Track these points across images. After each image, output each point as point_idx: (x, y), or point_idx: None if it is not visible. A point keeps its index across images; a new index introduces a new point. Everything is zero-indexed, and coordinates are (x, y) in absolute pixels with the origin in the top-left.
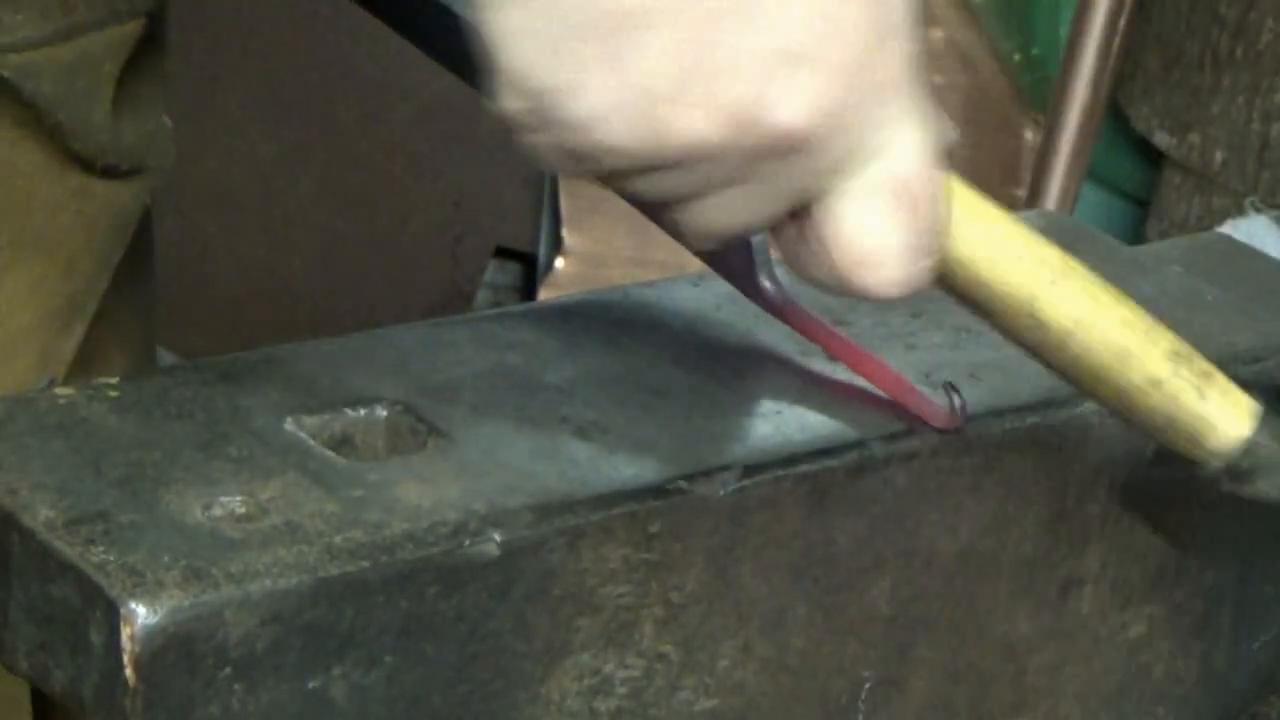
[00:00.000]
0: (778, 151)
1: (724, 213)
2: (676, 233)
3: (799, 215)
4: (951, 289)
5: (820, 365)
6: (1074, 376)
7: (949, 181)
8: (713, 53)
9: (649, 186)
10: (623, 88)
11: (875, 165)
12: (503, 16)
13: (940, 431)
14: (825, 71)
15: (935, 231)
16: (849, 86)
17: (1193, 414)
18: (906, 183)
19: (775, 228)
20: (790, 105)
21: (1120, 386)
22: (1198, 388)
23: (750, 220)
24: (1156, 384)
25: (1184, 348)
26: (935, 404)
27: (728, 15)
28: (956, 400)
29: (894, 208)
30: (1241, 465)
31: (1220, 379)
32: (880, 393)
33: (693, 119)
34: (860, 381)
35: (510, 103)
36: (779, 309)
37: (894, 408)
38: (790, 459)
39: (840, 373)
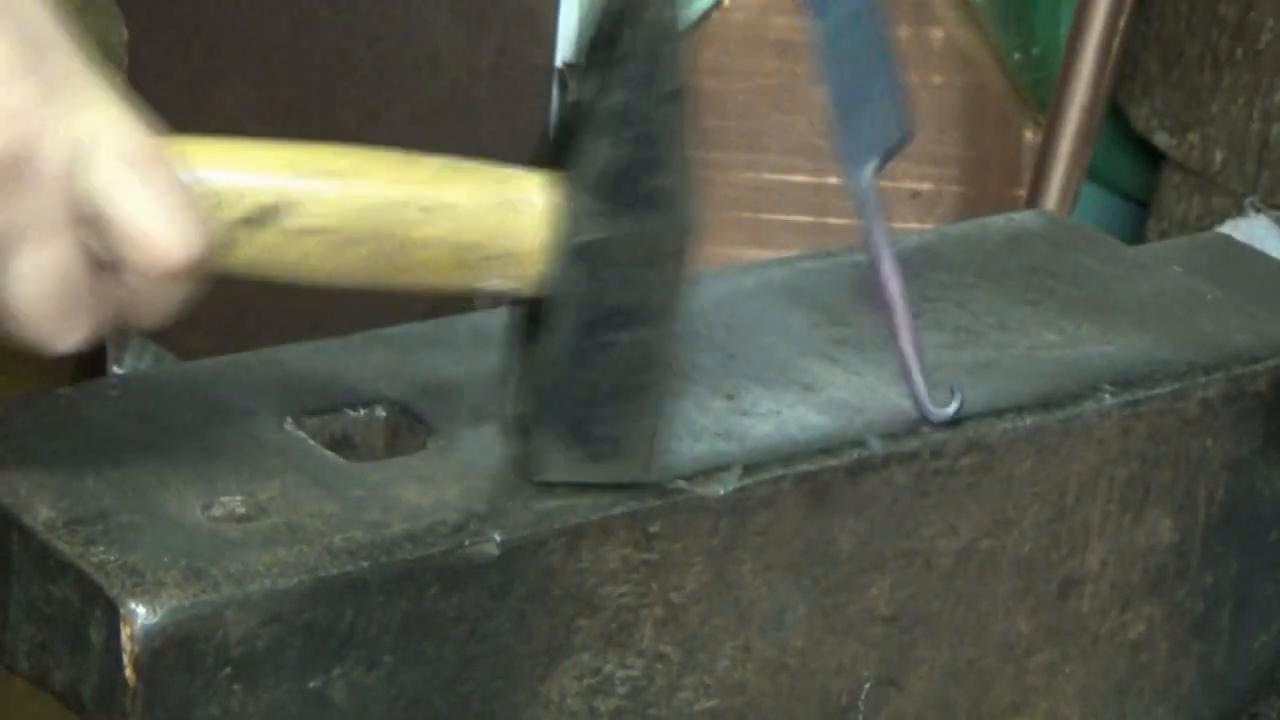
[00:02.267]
0: (9, 175)
1: (31, 274)
2: (41, 332)
3: (95, 260)
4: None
5: (820, 365)
6: (373, 229)
7: (169, 142)
8: None
9: None
10: None
11: (94, 154)
12: None
13: (927, 421)
14: None
15: (177, 183)
16: (25, 86)
17: (493, 181)
18: (125, 154)
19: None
20: None
21: (418, 193)
22: (479, 167)
23: (58, 275)
24: (440, 172)
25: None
26: (924, 393)
27: None
28: (955, 399)
29: (131, 179)
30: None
31: (494, 165)
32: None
33: None
34: (857, 382)
35: None
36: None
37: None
38: (790, 459)
39: (839, 374)
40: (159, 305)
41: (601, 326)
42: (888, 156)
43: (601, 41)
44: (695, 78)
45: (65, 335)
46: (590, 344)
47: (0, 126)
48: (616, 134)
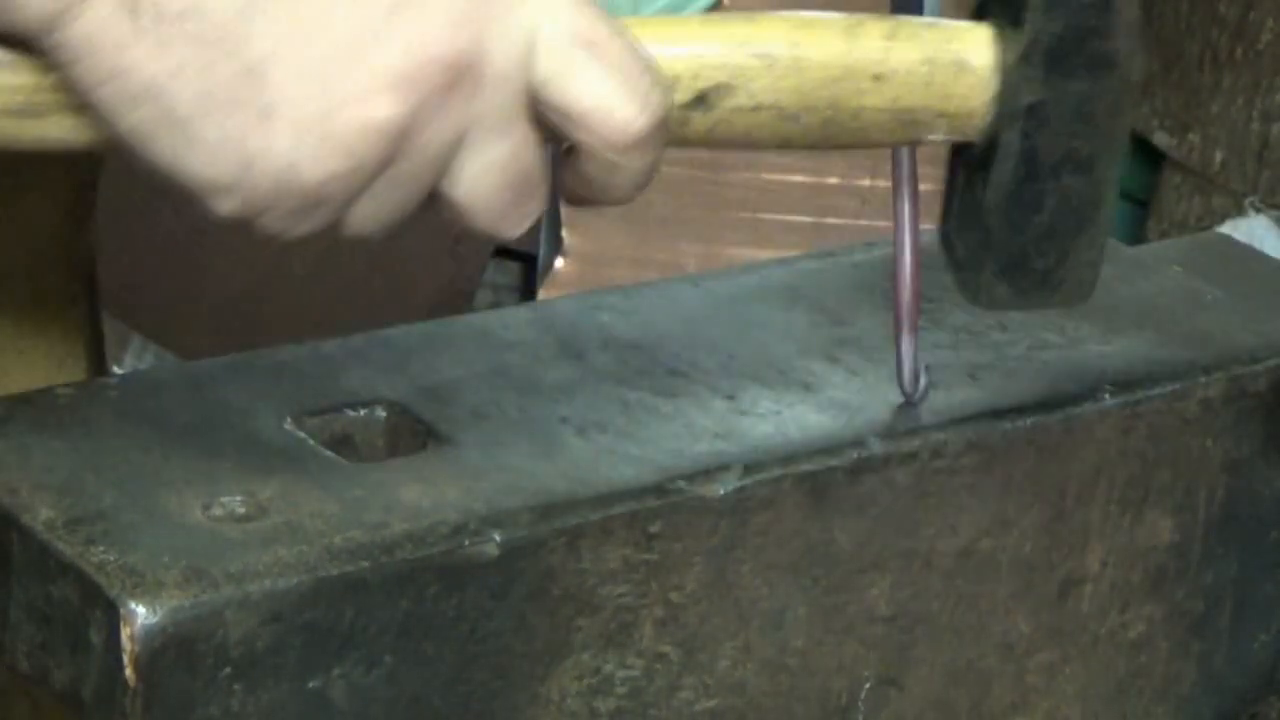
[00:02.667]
0: (458, 80)
1: (486, 171)
2: (486, 223)
3: (549, 137)
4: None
5: (820, 365)
6: (829, 98)
7: (614, 21)
8: (341, 42)
9: (390, 197)
10: (290, 126)
11: (542, 42)
12: (162, 144)
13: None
14: None
15: (634, 58)
16: None
17: (940, 41)
18: (576, 34)
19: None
20: (433, 36)
21: (870, 59)
22: (925, 25)
23: (511, 166)
24: (891, 36)
25: (883, 14)
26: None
27: (329, 10)
28: (922, 379)
29: (583, 60)
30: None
31: (937, 20)
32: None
33: (366, 106)
34: (857, 382)
35: (223, 207)
36: None
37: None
38: (790, 459)
39: (839, 374)
40: (621, 179)
41: (1041, 174)
42: None
43: None
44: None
45: (517, 222)
46: (1030, 190)
47: (451, 31)
48: (1065, 7)
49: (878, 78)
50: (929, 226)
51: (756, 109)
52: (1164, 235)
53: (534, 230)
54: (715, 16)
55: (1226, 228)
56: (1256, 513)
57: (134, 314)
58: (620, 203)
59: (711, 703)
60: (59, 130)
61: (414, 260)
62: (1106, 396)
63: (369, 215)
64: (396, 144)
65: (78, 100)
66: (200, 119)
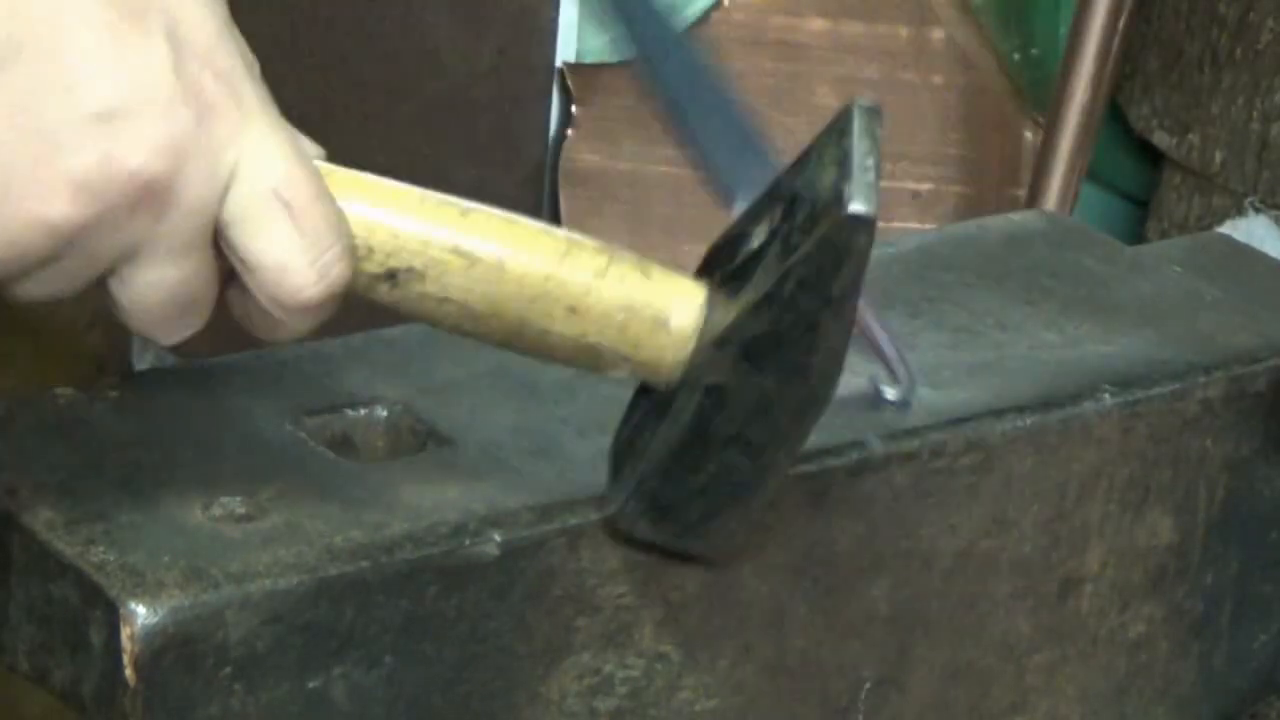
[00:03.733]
0: (149, 201)
1: (152, 286)
2: (146, 329)
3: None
4: (381, 282)
5: None
6: (518, 314)
7: (330, 175)
8: (35, 134)
9: (49, 284)
10: None
11: (240, 186)
12: None
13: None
14: (152, 112)
15: (328, 225)
16: (181, 115)
17: (647, 292)
18: (276, 189)
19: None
20: (133, 153)
21: (569, 292)
22: (640, 269)
23: (178, 287)
24: (601, 274)
25: (608, 245)
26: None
27: (37, 98)
28: (907, 380)
29: (274, 216)
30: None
31: (656, 264)
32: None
33: (45, 202)
34: (856, 383)
35: None
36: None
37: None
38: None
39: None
40: (283, 329)
41: (706, 445)
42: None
43: (794, 220)
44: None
45: (175, 334)
46: (691, 454)
47: (152, 154)
48: (778, 312)
49: (573, 310)
50: (928, 226)
51: (444, 301)
52: (1164, 235)
53: None
54: (438, 196)
55: (1226, 228)
56: (1256, 513)
57: None
58: (276, 343)
59: (711, 703)
60: None
61: None
62: (1106, 396)
63: (27, 293)
64: (65, 244)
65: None
66: None
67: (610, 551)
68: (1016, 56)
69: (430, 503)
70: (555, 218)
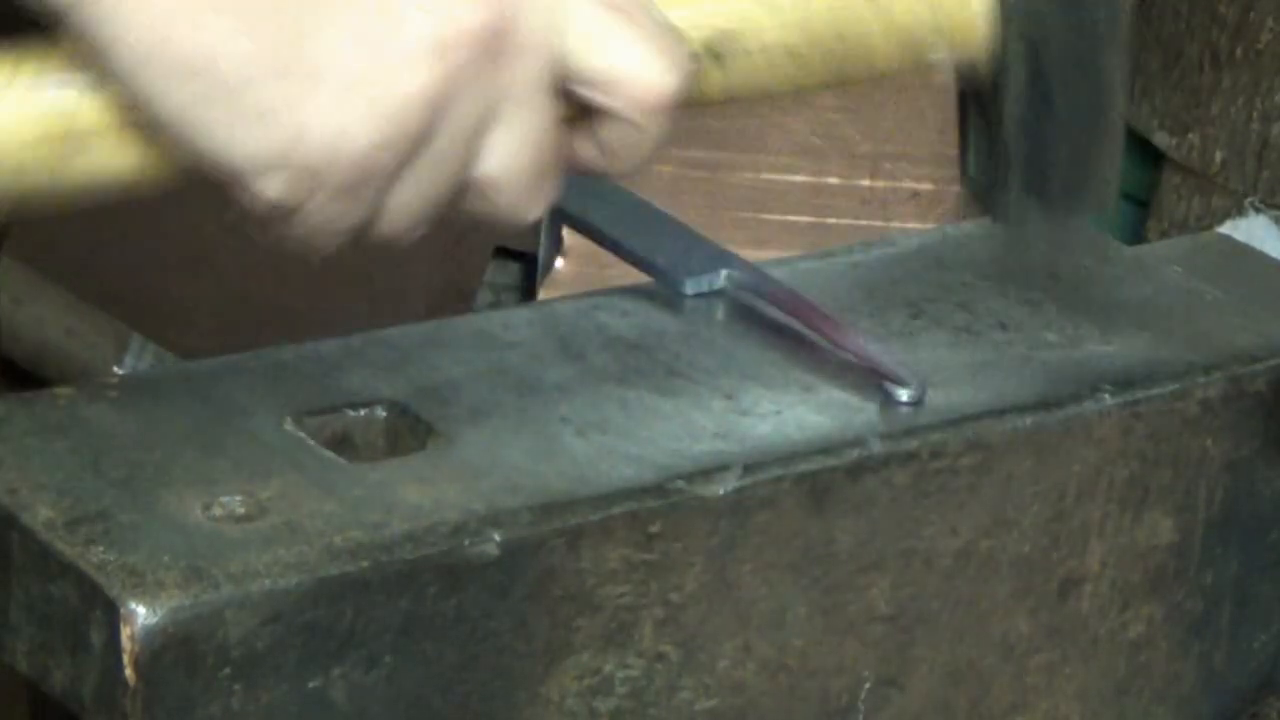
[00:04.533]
0: (494, 47)
1: (518, 145)
2: (513, 204)
3: (571, 105)
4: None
5: (820, 364)
6: (834, 32)
7: None
8: (380, 12)
9: (430, 174)
10: (335, 96)
11: (572, 13)
12: (211, 121)
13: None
14: None
15: (658, 20)
16: None
17: None
18: (606, 3)
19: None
20: (471, 6)
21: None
22: None
23: (537, 142)
24: None
25: None
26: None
27: None
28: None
29: (615, 27)
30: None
31: None
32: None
33: (408, 74)
34: (857, 382)
35: (270, 188)
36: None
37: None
38: (790, 459)
39: (839, 374)
40: (638, 146)
41: (1051, 81)
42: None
43: None
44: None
45: (538, 201)
46: (1043, 99)
47: (489, 3)
48: None
49: (875, 3)
50: (928, 226)
51: (765, 50)
52: (1164, 235)
53: (534, 230)
54: None
55: (1226, 228)
56: (1256, 513)
57: (134, 314)
58: (628, 173)
59: (711, 703)
60: (102, 155)
61: (414, 260)
62: (1106, 396)
63: (406, 203)
64: (435, 113)
65: (119, 114)
66: (246, 90)
67: (610, 551)
68: None
69: (430, 503)
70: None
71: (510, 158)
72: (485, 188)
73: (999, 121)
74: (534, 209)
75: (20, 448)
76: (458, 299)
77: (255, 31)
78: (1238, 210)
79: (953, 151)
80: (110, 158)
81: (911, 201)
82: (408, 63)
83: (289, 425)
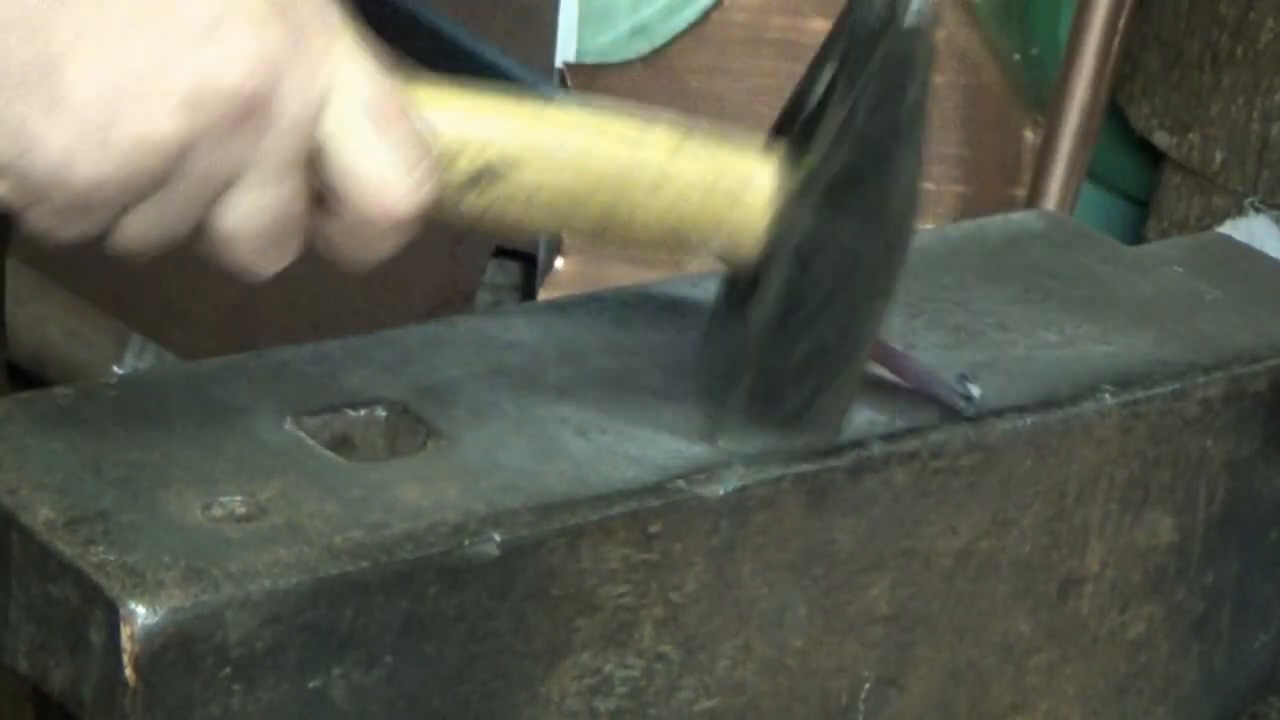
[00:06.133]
0: (250, 117)
1: (255, 210)
2: (244, 260)
3: (314, 193)
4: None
5: None
6: (603, 203)
7: (407, 89)
8: (141, 53)
9: (157, 217)
10: (74, 122)
11: (334, 104)
12: None
13: (962, 417)
14: (249, 29)
15: (418, 137)
16: (276, 31)
17: (722, 167)
18: (367, 105)
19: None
20: (233, 68)
21: (648, 174)
22: (713, 144)
23: (277, 211)
24: (675, 152)
25: (679, 122)
26: (951, 390)
27: (141, 18)
28: (973, 389)
29: (368, 132)
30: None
31: (728, 139)
32: (898, 380)
33: (152, 119)
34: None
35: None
36: None
37: (914, 394)
38: (790, 459)
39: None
40: (371, 248)
41: (807, 307)
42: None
43: (852, 52)
44: (699, 78)
45: (270, 264)
46: (794, 322)
47: (252, 67)
48: (851, 148)
49: (654, 190)
50: (928, 226)
51: (529, 200)
52: (1164, 235)
53: None
54: (512, 96)
55: (1226, 228)
56: (1256, 513)
57: (134, 314)
58: (357, 269)
59: (711, 703)
60: None
61: (414, 260)
62: (1107, 396)
63: (136, 232)
64: (172, 164)
65: None
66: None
67: (610, 551)
68: (1016, 56)
69: (430, 503)
70: None
71: (247, 219)
72: (221, 238)
73: (744, 333)
74: (265, 270)
75: (20, 448)
76: (458, 299)
77: (5, 45)
78: (1238, 210)
79: (953, 151)
80: None
81: None
82: (156, 109)
83: (289, 425)
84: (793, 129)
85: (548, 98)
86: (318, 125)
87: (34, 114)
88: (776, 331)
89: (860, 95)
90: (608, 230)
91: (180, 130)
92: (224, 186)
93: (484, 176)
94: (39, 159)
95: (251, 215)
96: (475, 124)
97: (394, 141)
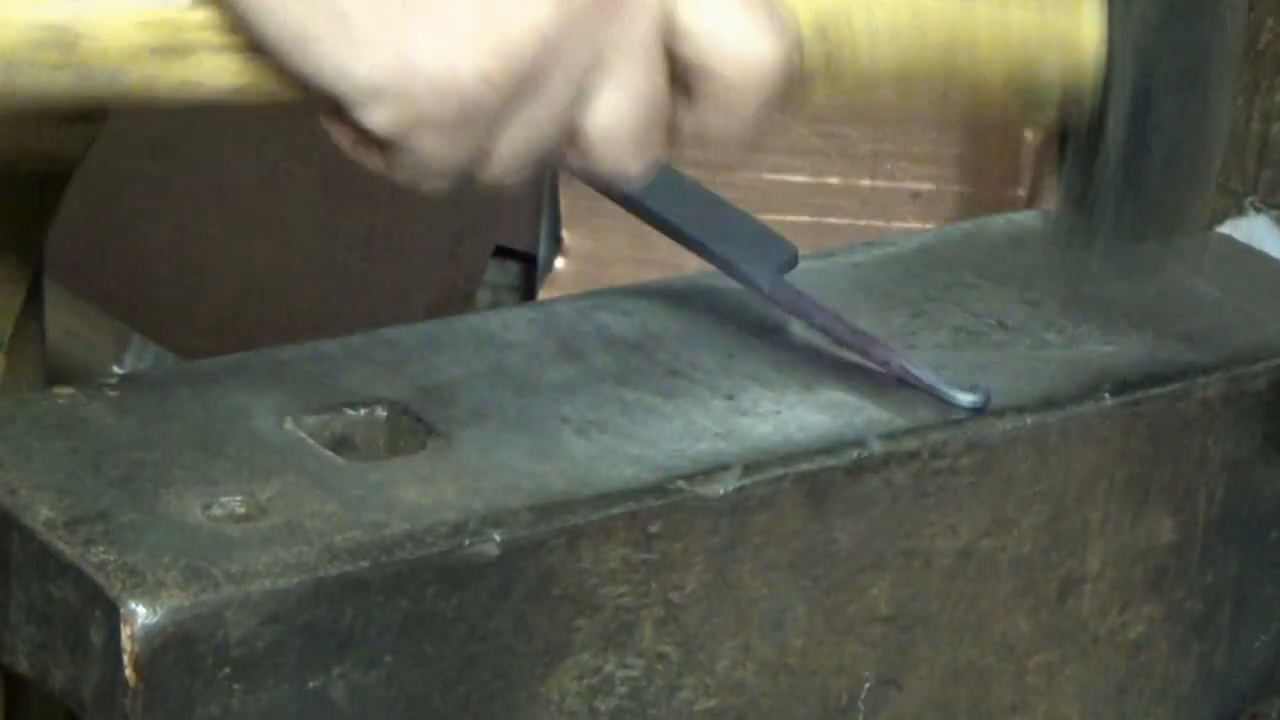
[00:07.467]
0: (610, 3)
1: (624, 101)
2: (616, 161)
3: (675, 71)
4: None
5: (820, 365)
6: (945, 51)
7: None
8: None
9: (536, 120)
10: (452, 24)
11: None
12: (320, 45)
13: (962, 418)
14: None
15: (765, 4)
16: None
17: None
18: None
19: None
20: None
21: (981, 14)
22: None
23: (645, 101)
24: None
25: None
26: (953, 390)
27: None
28: (981, 387)
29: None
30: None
31: None
32: (906, 377)
33: (522, 14)
34: (857, 382)
35: (378, 115)
36: (794, 308)
37: (914, 393)
38: (790, 459)
39: (840, 374)
40: (742, 125)
41: (1158, 109)
42: (785, 268)
43: None
44: None
45: (640, 161)
46: (1148, 125)
47: None
48: None
49: (990, 21)
50: (928, 226)
51: (874, 64)
52: None
53: (534, 230)
54: None
55: (1226, 228)
56: (1256, 513)
57: (134, 314)
58: (725, 151)
59: (711, 703)
60: (203, 72)
61: (414, 260)
62: (1106, 396)
63: (512, 146)
64: (546, 57)
65: (226, 32)
66: (358, 16)
67: (610, 551)
68: None
69: (430, 503)
70: (555, 218)
71: (618, 110)
72: (591, 139)
73: (1097, 148)
74: (636, 167)
75: (20, 448)
76: (458, 299)
77: None
78: (1238, 210)
79: (953, 151)
80: (213, 71)
81: (911, 201)
82: (526, 3)
83: (289, 425)
84: None
85: None
86: (674, 3)
87: (409, 22)
88: (1133, 141)
89: None
90: (953, 77)
91: (552, 21)
92: (594, 79)
93: (829, 37)
94: (422, 69)
95: (624, 105)
96: (807, 4)
97: (750, 8)
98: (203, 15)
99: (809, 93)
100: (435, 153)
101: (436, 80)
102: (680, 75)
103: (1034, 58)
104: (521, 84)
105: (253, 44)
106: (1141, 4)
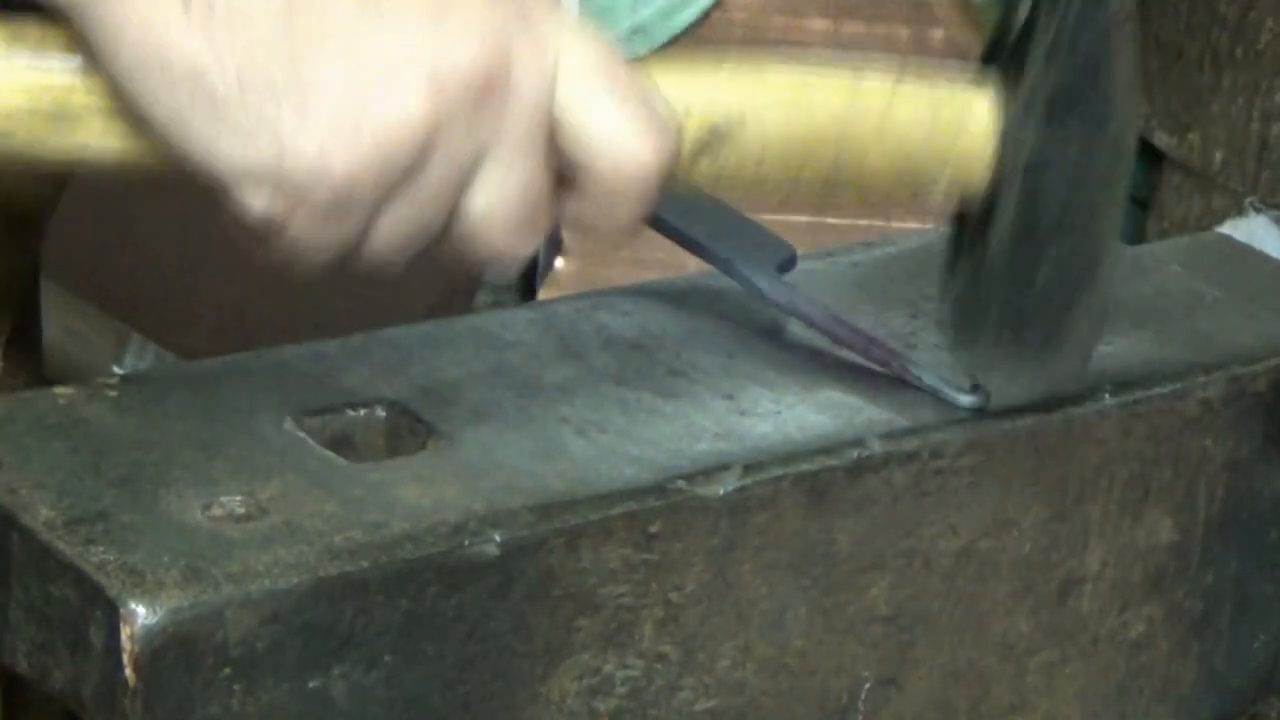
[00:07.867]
0: (488, 93)
1: (504, 191)
2: (497, 246)
3: (558, 169)
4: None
5: (820, 365)
6: (831, 153)
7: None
8: (379, 42)
9: (414, 207)
10: (326, 117)
11: (566, 75)
12: (198, 128)
13: (961, 417)
14: (479, 9)
15: (652, 98)
16: (503, 7)
17: (940, 100)
18: (600, 71)
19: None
20: (469, 46)
21: (870, 120)
22: (928, 82)
23: (525, 190)
24: (894, 94)
25: (886, 63)
26: (953, 390)
27: (369, 7)
28: (981, 387)
29: (605, 97)
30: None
31: (942, 75)
32: (906, 377)
33: (401, 103)
34: (857, 382)
35: (255, 200)
36: (793, 308)
37: (914, 392)
38: (790, 459)
39: (839, 374)
40: (618, 218)
41: (1043, 225)
42: (784, 268)
43: None
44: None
45: (522, 249)
46: (1032, 242)
47: (485, 45)
48: (1064, 59)
49: (878, 134)
50: (928, 226)
51: (760, 159)
52: (1164, 235)
53: None
54: (720, 59)
55: (1226, 228)
56: (1256, 513)
57: (134, 314)
58: (608, 238)
59: (711, 703)
60: (90, 135)
61: (414, 260)
62: (1106, 396)
63: (393, 230)
64: (424, 147)
65: (111, 102)
66: (238, 103)
67: (610, 551)
68: None
69: (430, 503)
70: None
71: (499, 199)
72: (473, 226)
73: (984, 267)
74: (520, 251)
75: (20, 448)
76: (458, 299)
77: (250, 47)
78: (1238, 210)
79: None
80: (99, 139)
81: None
82: (403, 93)
83: (289, 425)
84: (1001, 55)
85: (761, 59)
86: (554, 94)
87: (286, 113)
88: (1017, 254)
89: (1066, 10)
90: (839, 181)
91: (428, 112)
92: (473, 170)
93: (714, 138)
94: (296, 158)
95: (501, 196)
96: (696, 87)
97: (631, 106)
98: (89, 83)
99: (692, 187)
100: (311, 237)
101: (309, 168)
102: (564, 167)
103: (925, 168)
104: (396, 172)
105: (137, 121)
106: (1028, 124)
